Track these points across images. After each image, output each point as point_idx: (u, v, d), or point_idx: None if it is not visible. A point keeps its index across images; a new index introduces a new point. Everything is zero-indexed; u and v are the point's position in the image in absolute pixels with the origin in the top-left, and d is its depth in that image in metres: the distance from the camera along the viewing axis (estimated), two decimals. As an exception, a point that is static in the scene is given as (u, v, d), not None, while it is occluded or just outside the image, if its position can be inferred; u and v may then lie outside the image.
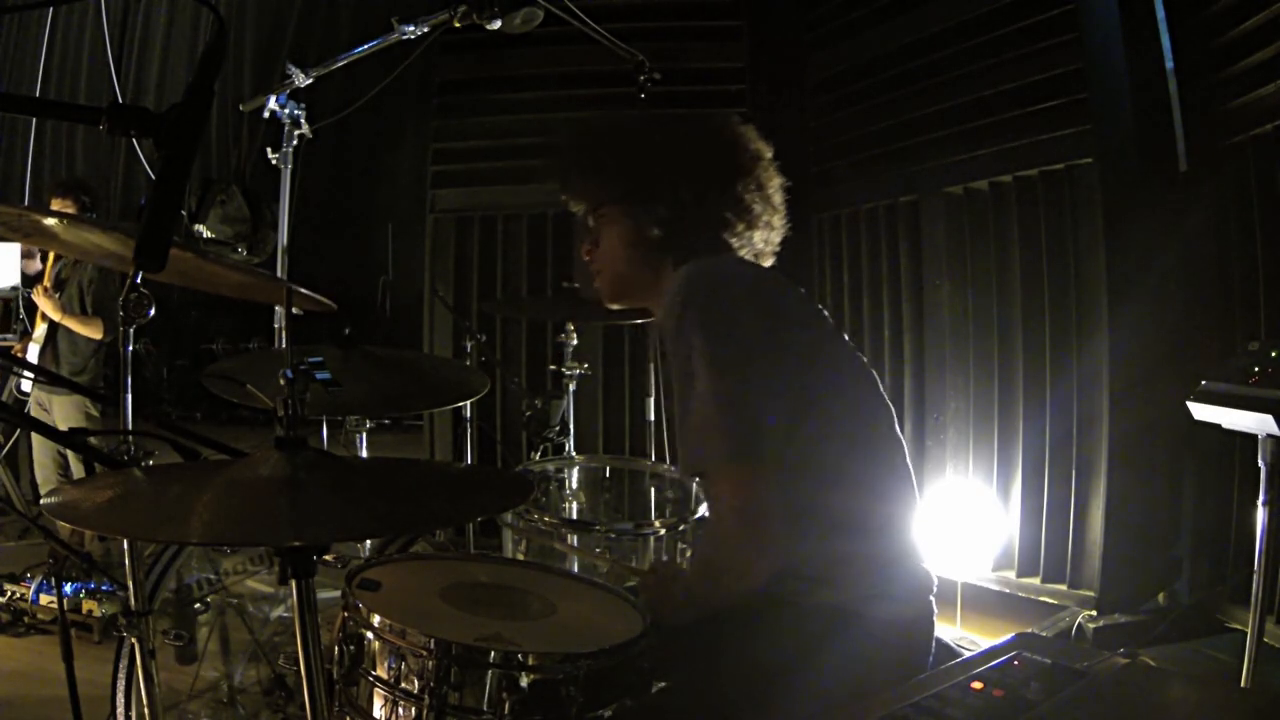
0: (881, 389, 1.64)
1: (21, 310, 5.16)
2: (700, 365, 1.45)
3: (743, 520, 1.45)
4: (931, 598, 1.58)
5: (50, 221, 1.57)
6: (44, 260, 4.44)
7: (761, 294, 1.58)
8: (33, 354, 4.29)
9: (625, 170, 1.67)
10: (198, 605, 2.11)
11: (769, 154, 1.69)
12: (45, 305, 4.21)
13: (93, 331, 4.22)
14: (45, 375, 3.78)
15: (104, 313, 4.21)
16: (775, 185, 1.69)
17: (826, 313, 1.68)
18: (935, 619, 1.58)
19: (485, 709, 1.28)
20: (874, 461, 1.58)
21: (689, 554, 2.11)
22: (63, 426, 3.29)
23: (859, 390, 1.61)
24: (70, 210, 4.08)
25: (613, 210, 1.68)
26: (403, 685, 1.31)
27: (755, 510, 1.44)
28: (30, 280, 4.87)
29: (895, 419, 1.63)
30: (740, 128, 1.69)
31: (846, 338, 1.70)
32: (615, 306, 1.77)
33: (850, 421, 1.56)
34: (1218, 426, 2.21)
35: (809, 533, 1.48)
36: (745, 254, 1.69)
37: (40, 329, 4.33)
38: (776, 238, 1.72)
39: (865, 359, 1.67)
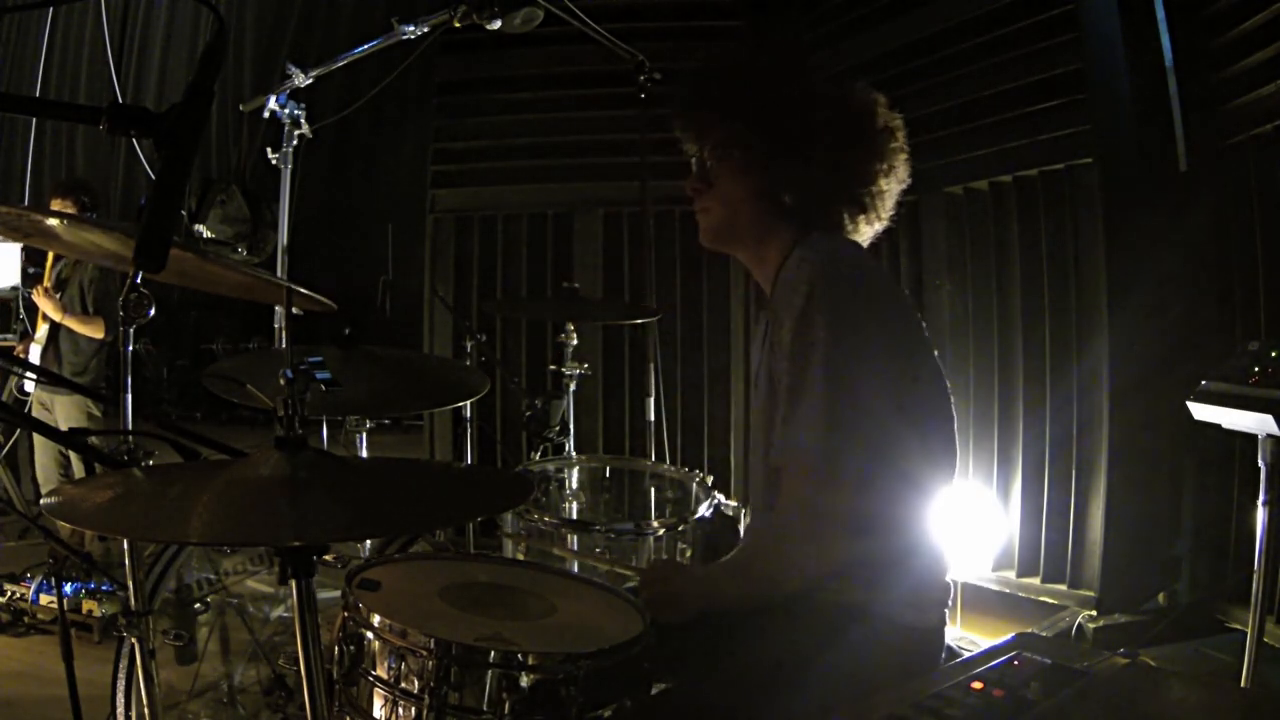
0: (954, 422, 1.58)
1: (22, 310, 5.15)
2: (817, 356, 1.41)
3: (815, 520, 1.43)
4: (946, 610, 1.57)
5: (50, 221, 1.57)
6: (42, 261, 4.44)
7: (886, 299, 1.54)
8: (35, 355, 4.29)
9: (783, 124, 1.54)
10: (198, 605, 2.11)
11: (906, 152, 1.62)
12: (46, 305, 4.20)
13: (94, 331, 4.22)
14: (46, 376, 3.78)
15: (105, 312, 4.21)
16: (903, 184, 1.63)
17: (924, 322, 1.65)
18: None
19: (485, 709, 1.28)
20: (926, 493, 1.53)
21: (688, 554, 2.10)
22: (64, 426, 3.29)
23: (939, 422, 1.56)
24: (70, 210, 4.08)
25: (748, 156, 1.56)
26: (403, 685, 1.31)
27: (830, 514, 1.42)
28: (28, 279, 4.87)
29: (957, 457, 1.58)
30: (896, 119, 1.61)
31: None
32: (711, 247, 1.67)
33: (921, 453, 1.51)
34: (1218, 426, 2.21)
35: (858, 543, 1.46)
36: (857, 239, 1.63)
37: (42, 329, 4.32)
38: (879, 229, 1.67)
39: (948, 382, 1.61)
